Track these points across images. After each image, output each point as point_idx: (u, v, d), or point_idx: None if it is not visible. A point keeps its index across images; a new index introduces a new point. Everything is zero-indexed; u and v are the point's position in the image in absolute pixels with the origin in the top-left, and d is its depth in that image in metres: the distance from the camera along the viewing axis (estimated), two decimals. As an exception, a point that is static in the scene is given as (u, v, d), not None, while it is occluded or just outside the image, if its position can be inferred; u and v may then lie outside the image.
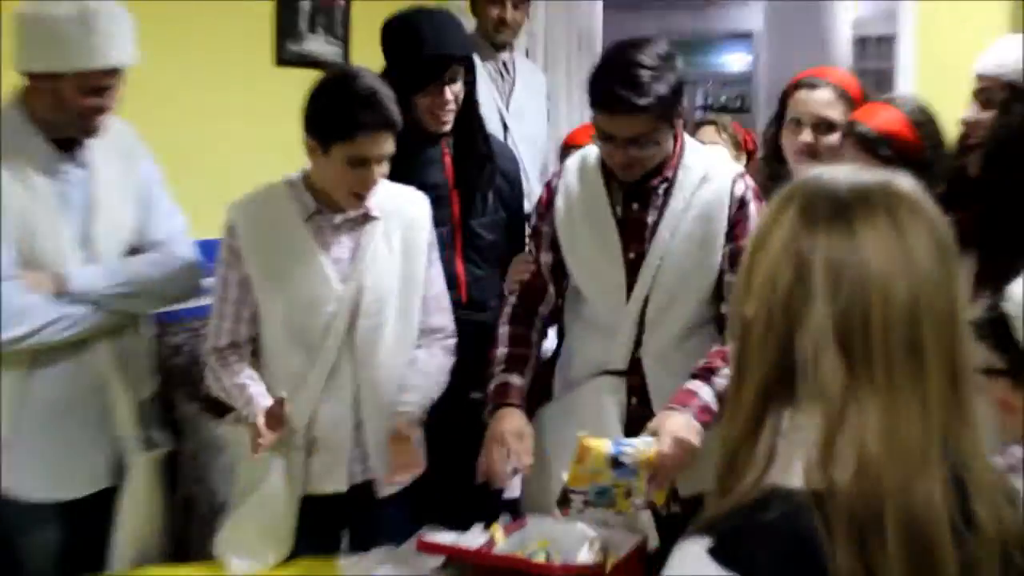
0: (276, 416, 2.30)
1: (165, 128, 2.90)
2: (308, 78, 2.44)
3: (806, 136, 2.64)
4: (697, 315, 2.43)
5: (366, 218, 2.46)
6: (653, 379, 2.44)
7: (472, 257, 2.87)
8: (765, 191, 2.47)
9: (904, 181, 1.06)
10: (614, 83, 2.24)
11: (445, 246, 2.72)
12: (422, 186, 2.68)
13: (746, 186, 2.44)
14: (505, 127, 3.69)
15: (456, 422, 2.61)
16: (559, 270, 2.54)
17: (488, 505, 2.59)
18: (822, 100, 2.65)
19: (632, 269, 2.40)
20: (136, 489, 2.54)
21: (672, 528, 2.13)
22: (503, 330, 2.55)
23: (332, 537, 2.49)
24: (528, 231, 2.95)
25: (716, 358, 2.35)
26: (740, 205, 2.40)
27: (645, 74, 2.22)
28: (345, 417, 2.44)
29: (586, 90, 2.31)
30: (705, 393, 2.31)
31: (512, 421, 2.38)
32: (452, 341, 2.60)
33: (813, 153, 2.63)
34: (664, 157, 2.38)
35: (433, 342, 2.56)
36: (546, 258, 2.55)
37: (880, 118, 2.44)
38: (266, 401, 2.34)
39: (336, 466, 2.45)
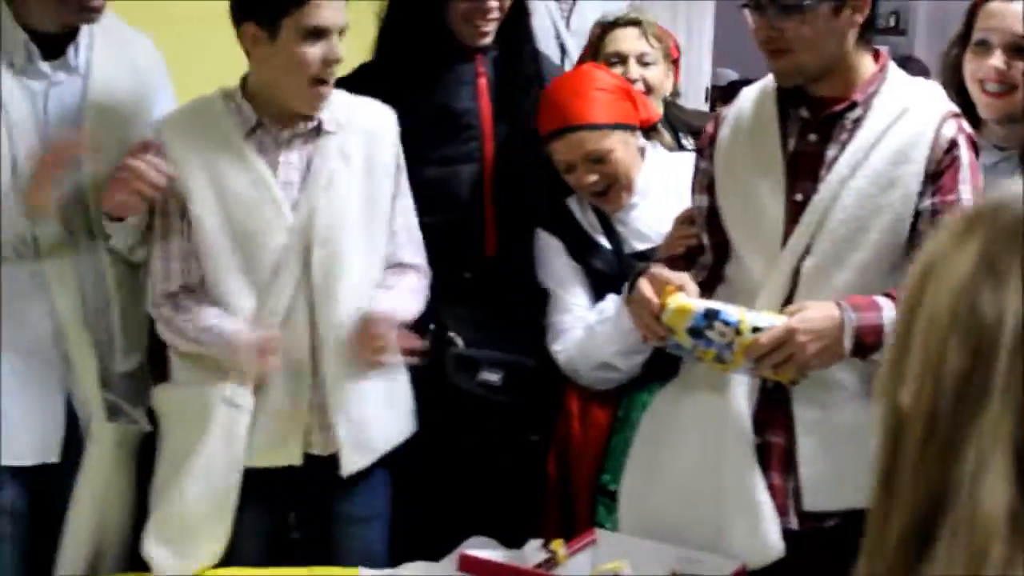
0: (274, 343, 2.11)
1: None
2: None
3: (996, 61, 2.20)
4: (867, 281, 2.03)
5: (319, 132, 2.20)
6: None
7: (506, 204, 2.47)
8: None
9: None
10: None
11: (470, 189, 2.43)
12: (445, 112, 2.41)
13: (958, 128, 2.06)
14: (563, 49, 3.10)
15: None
16: (714, 218, 2.18)
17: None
18: (1021, 13, 2.18)
19: (795, 214, 2.05)
20: (94, 467, 2.25)
21: (790, 543, 1.99)
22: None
23: (281, 523, 2.29)
24: None
25: None
26: (948, 149, 2.03)
27: None
28: (301, 373, 2.18)
29: None
30: (887, 310, 1.95)
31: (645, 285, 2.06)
32: (427, 282, 2.31)
33: (1004, 84, 2.20)
34: (826, 54, 2.02)
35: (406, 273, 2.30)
36: (700, 201, 2.21)
37: None
38: (250, 334, 2.13)
39: (289, 433, 2.19)
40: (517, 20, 2.45)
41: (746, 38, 2.10)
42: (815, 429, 2.05)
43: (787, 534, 2.03)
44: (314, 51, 2.10)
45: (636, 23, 2.70)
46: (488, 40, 2.42)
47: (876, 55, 2.10)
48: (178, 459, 2.16)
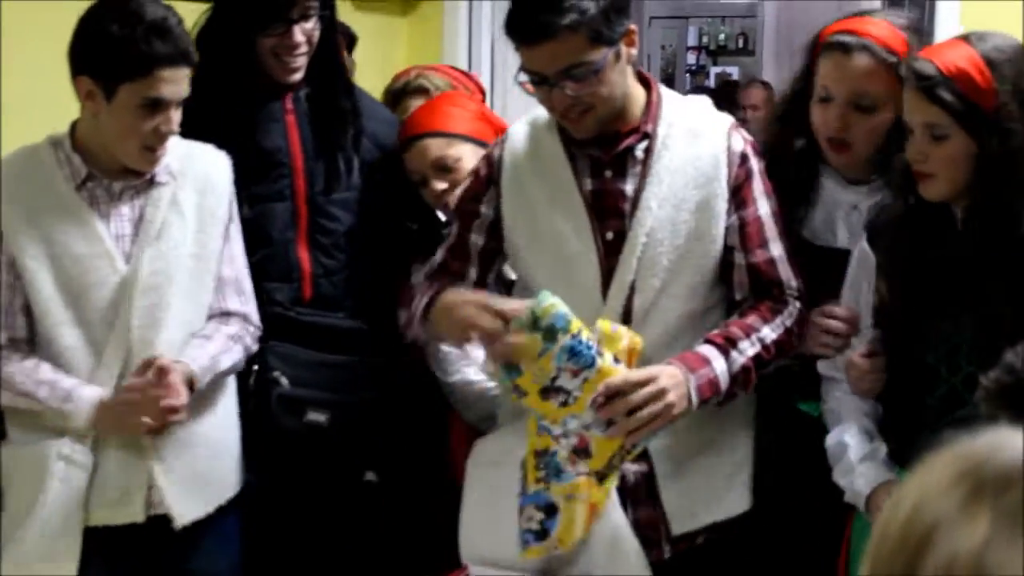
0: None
1: None
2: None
3: (834, 116, 2.11)
4: (696, 303, 2.08)
5: (151, 183, 2.14)
6: None
7: (320, 243, 2.39)
8: (773, 162, 2.15)
9: None
10: (529, 7, 1.96)
11: (283, 228, 2.35)
12: (257, 151, 2.32)
13: (743, 140, 2.11)
14: None
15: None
16: (489, 257, 2.18)
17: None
18: (858, 69, 2.07)
19: (611, 252, 2.04)
20: None
21: (668, 570, 2.01)
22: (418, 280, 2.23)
23: None
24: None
25: (736, 328, 2.03)
26: (741, 162, 2.07)
27: None
28: None
29: (503, 29, 2.01)
30: (718, 365, 1.98)
31: (458, 294, 2.06)
32: (254, 330, 2.25)
33: (844, 136, 2.12)
34: (619, 97, 2.04)
35: (229, 322, 2.23)
36: (477, 240, 2.17)
37: (946, 55, 1.88)
38: (93, 390, 2.05)
39: (130, 490, 2.10)
40: (327, 56, 2.38)
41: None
42: (669, 456, 2.05)
43: (663, 563, 2.03)
44: (149, 123, 2.03)
45: (423, 91, 2.65)
46: (297, 76, 2.35)
47: (642, 78, 2.11)
48: (20, 518, 2.08)
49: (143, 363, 2.05)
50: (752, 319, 2.04)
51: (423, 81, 2.68)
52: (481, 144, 2.36)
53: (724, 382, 1.98)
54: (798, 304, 2.06)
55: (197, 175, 2.18)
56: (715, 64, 9.05)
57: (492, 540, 2.03)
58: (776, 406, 2.22)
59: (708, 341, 2.01)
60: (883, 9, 2.64)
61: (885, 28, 2.07)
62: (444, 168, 2.37)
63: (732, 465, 2.12)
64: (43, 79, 2.32)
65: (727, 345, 2.01)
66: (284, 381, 2.31)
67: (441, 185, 2.36)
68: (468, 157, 2.35)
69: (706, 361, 1.98)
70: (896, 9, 3.63)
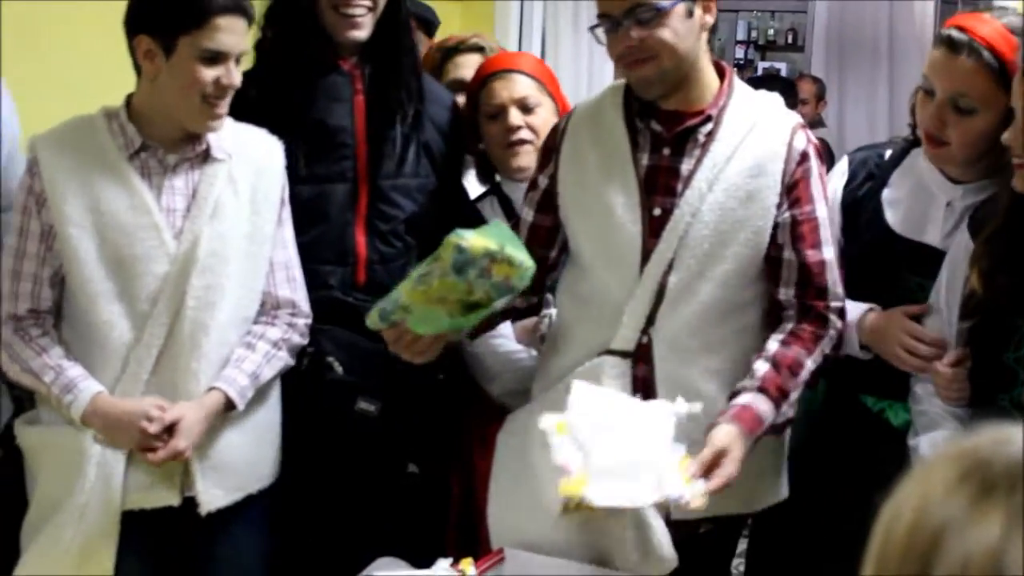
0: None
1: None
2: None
3: (931, 113, 2.07)
4: (732, 292, 2.06)
5: (207, 158, 2.12)
6: (663, 370, 2.05)
7: (378, 228, 2.35)
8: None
9: None
10: None
11: (342, 209, 2.31)
12: (321, 129, 2.28)
13: (807, 140, 2.09)
14: None
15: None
16: (548, 236, 2.18)
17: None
18: (961, 69, 2.01)
19: (655, 228, 2.04)
20: None
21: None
22: None
23: (162, 565, 2.16)
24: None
25: (787, 372, 2.00)
26: (801, 161, 2.06)
27: None
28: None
29: None
30: (767, 418, 1.98)
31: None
32: (303, 321, 2.23)
33: (940, 134, 2.07)
34: (684, 56, 2.02)
35: (276, 318, 2.20)
36: (527, 216, 2.18)
37: (979, 27, 1.95)
38: (93, 386, 2.05)
39: (165, 473, 2.08)
40: (393, 17, 2.32)
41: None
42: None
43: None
44: (209, 73, 2.01)
45: (479, 49, 2.67)
46: (358, 33, 2.28)
47: (720, 69, 2.10)
48: (52, 500, 2.06)
49: (158, 408, 2.02)
50: (797, 352, 2.03)
51: (479, 41, 2.69)
52: (555, 112, 2.42)
53: (765, 429, 1.99)
54: (839, 324, 2.06)
55: (252, 156, 2.16)
56: (763, 59, 8.96)
57: (525, 518, 2.03)
58: (840, 396, 2.22)
59: (763, 391, 1.98)
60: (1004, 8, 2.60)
61: (997, 29, 2.00)
62: (526, 107, 2.39)
63: (750, 464, 2.08)
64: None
65: (780, 399, 2.00)
66: (338, 367, 2.29)
67: (517, 120, 2.38)
68: (545, 111, 2.38)
69: (760, 422, 1.97)
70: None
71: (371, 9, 2.28)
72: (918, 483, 0.85)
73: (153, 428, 2.01)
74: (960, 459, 0.84)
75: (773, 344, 2.04)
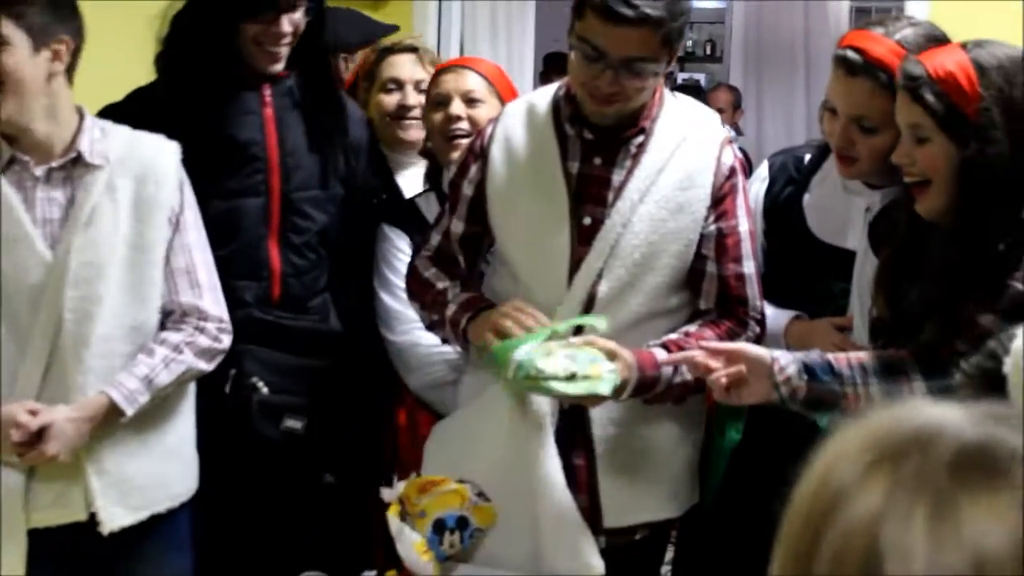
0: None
1: None
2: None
3: (837, 131, 2.07)
4: (660, 302, 2.09)
5: (77, 163, 2.07)
6: None
7: (292, 241, 2.35)
8: None
9: None
10: None
11: (255, 223, 2.30)
12: (231, 144, 2.27)
13: (734, 155, 2.13)
14: None
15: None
16: (471, 244, 2.20)
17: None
18: (859, 91, 2.01)
19: (585, 237, 2.05)
20: None
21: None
22: (430, 272, 2.19)
23: None
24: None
25: (694, 342, 2.01)
26: (729, 175, 2.10)
27: None
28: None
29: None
30: (664, 371, 2.01)
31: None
32: (213, 325, 2.14)
33: (848, 152, 2.07)
34: (643, 103, 2.06)
35: (183, 324, 2.14)
36: (456, 227, 2.18)
37: (937, 59, 1.83)
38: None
39: (68, 489, 2.04)
40: (313, 46, 2.33)
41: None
42: (613, 446, 2.07)
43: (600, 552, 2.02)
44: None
45: (413, 49, 2.69)
46: (278, 67, 2.30)
47: None
48: None
49: (27, 413, 1.96)
50: (708, 333, 2.06)
51: (414, 42, 2.74)
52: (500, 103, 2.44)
53: (661, 387, 2.01)
54: (756, 330, 2.09)
55: (137, 162, 2.10)
56: (682, 70, 9.04)
57: None
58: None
59: (664, 346, 2.02)
60: (901, 14, 2.57)
61: (891, 48, 1.98)
62: (470, 100, 2.43)
63: (675, 467, 2.13)
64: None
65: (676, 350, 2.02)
66: (263, 387, 2.27)
67: (458, 110, 2.41)
68: (491, 110, 2.39)
69: (656, 365, 2.00)
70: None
71: (291, 43, 2.29)
72: (832, 445, 0.84)
73: (16, 436, 1.95)
74: (871, 426, 0.83)
75: (690, 326, 2.08)
